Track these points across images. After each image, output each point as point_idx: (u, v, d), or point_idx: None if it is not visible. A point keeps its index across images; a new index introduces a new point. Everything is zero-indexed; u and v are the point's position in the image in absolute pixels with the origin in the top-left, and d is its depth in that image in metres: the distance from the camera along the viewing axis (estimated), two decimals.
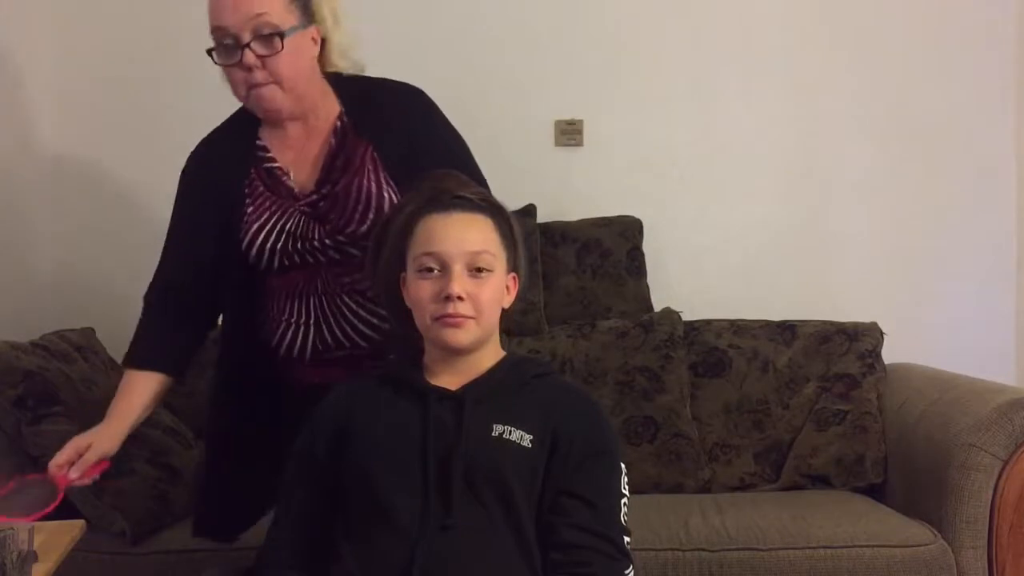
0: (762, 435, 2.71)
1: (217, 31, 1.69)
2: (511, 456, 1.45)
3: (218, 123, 2.90)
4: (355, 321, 1.77)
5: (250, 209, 1.77)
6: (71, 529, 1.61)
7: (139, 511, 2.26)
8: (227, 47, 1.69)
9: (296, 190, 1.77)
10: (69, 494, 1.80)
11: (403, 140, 1.77)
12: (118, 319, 2.84)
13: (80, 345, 2.53)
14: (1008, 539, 2.22)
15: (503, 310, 1.56)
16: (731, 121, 3.05)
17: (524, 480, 1.45)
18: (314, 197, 1.76)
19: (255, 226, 1.76)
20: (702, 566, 2.21)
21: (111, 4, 3.00)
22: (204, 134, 2.91)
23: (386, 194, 1.75)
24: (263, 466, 1.77)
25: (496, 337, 1.58)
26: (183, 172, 1.88)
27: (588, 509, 1.44)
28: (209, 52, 1.71)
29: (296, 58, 1.71)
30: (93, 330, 2.67)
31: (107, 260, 2.99)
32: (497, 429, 1.46)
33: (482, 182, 1.81)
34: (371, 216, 1.73)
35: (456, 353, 1.52)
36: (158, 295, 1.91)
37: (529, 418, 1.48)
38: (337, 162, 1.77)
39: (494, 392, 1.51)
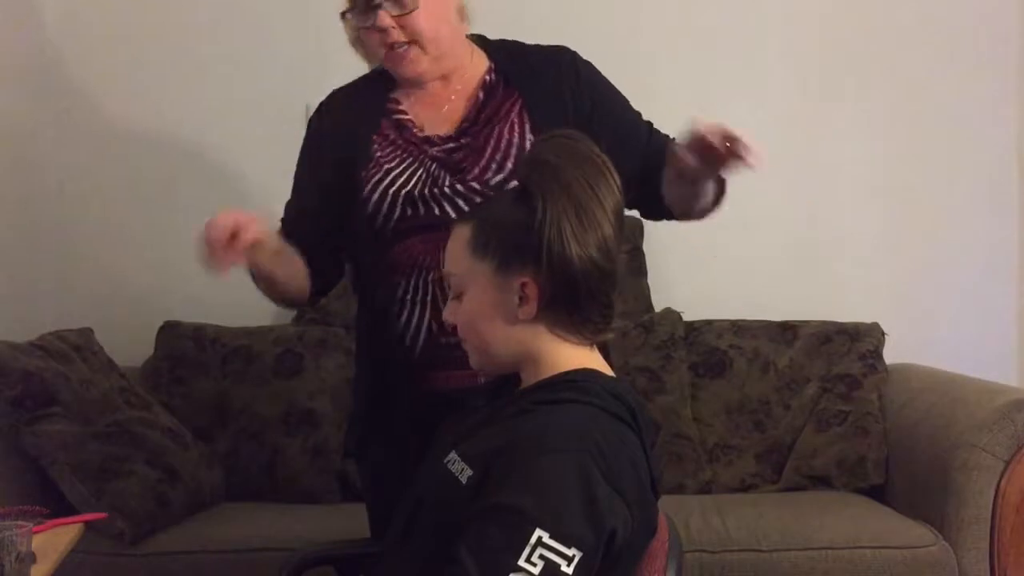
0: (763, 436, 2.71)
1: None
2: (442, 489, 1.26)
3: (219, 127, 2.92)
4: None
5: (378, 154, 1.68)
6: (69, 530, 1.61)
7: (138, 512, 2.25)
8: (360, 7, 1.61)
9: (428, 137, 1.69)
10: None
11: (559, 100, 1.68)
12: (117, 319, 2.86)
13: (78, 345, 2.52)
14: (1010, 540, 2.22)
15: (524, 321, 1.29)
16: (732, 121, 3.02)
17: (445, 518, 1.22)
18: (451, 145, 1.68)
19: (383, 170, 1.67)
20: (703, 567, 2.21)
21: (116, 9, 2.98)
22: (208, 137, 2.94)
23: (528, 145, 1.64)
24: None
25: (540, 353, 1.30)
26: (309, 122, 1.78)
27: (459, 571, 1.12)
28: (343, 15, 1.64)
29: (437, 12, 1.62)
30: (91, 330, 2.66)
31: (106, 260, 2.98)
32: (451, 456, 1.27)
33: (647, 131, 1.73)
34: (508, 166, 1.63)
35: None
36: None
37: (484, 450, 1.23)
38: (483, 115, 1.68)
39: (495, 416, 1.31)
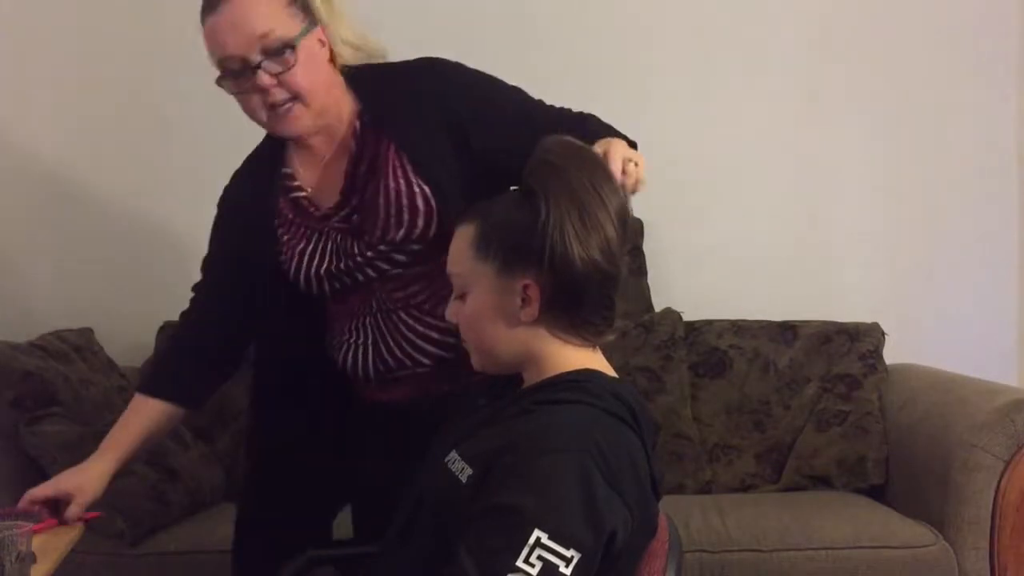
0: (763, 436, 2.71)
1: (223, 60, 1.58)
2: (443, 489, 1.26)
3: (217, 127, 2.91)
4: (413, 337, 1.66)
5: (286, 237, 1.69)
6: (69, 530, 1.60)
7: (137, 512, 2.25)
8: (236, 73, 1.57)
9: (324, 213, 1.68)
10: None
11: (429, 128, 1.64)
12: (116, 319, 2.86)
13: (78, 345, 2.52)
14: (1010, 540, 2.22)
15: (526, 323, 1.29)
16: (732, 121, 3.04)
17: (445, 517, 1.22)
18: (345, 211, 1.66)
19: (295, 252, 1.68)
20: (703, 567, 2.21)
21: (112, 9, 2.98)
22: (203, 136, 2.94)
23: (417, 189, 1.61)
24: (319, 482, 1.75)
25: (542, 354, 1.31)
26: (219, 205, 1.79)
27: (458, 571, 1.12)
28: (219, 82, 1.60)
29: (311, 66, 1.59)
30: (91, 330, 2.66)
31: (105, 260, 2.98)
32: (451, 456, 1.28)
33: (531, 112, 1.66)
34: (406, 218, 1.61)
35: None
36: (189, 325, 1.82)
37: (484, 449, 1.23)
38: (361, 168, 1.65)
39: (496, 416, 1.31)
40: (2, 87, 2.94)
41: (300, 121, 1.61)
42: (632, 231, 2.95)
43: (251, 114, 1.62)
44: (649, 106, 3.04)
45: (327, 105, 1.64)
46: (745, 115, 3.05)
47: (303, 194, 1.69)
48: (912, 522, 2.31)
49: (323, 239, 1.67)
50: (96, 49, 2.96)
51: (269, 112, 1.60)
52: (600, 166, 1.31)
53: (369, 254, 1.64)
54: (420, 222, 1.62)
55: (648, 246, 2.92)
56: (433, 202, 1.62)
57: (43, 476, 2.25)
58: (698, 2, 3.05)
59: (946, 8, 3.05)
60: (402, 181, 1.63)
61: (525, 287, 1.27)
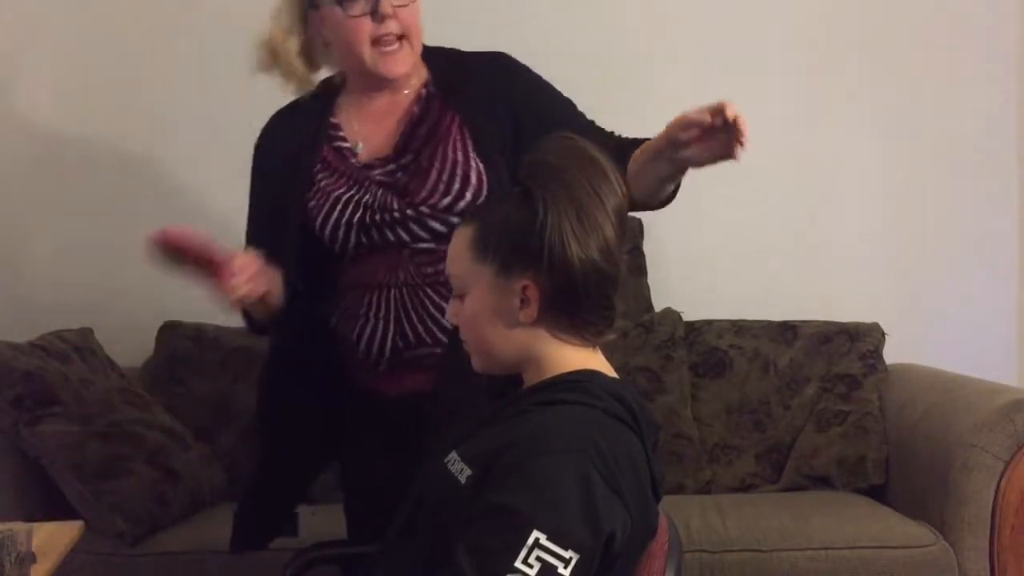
0: (763, 436, 2.71)
1: None
2: (442, 490, 1.25)
3: (219, 127, 2.91)
4: (437, 314, 1.66)
5: (324, 182, 1.70)
6: (70, 530, 1.61)
7: (138, 512, 2.25)
8: None
9: (367, 163, 1.69)
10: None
11: (495, 114, 1.68)
12: (116, 319, 2.86)
13: (78, 345, 2.52)
14: (1010, 540, 2.22)
15: (526, 324, 1.28)
16: None
17: (445, 518, 1.22)
18: (391, 167, 1.68)
19: (331, 199, 1.68)
20: (703, 567, 2.21)
21: (113, 12, 2.97)
22: (206, 133, 2.93)
23: (473, 164, 1.66)
24: (310, 464, 1.83)
25: (541, 355, 1.30)
26: (256, 146, 1.80)
27: (457, 571, 1.12)
28: (338, 2, 1.62)
29: (418, 14, 1.65)
30: (91, 330, 2.66)
31: (105, 260, 2.97)
32: (451, 457, 1.28)
33: (585, 127, 1.71)
34: (456, 187, 1.64)
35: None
36: None
37: (484, 450, 1.22)
38: (420, 130, 1.68)
39: (496, 416, 1.30)
40: (2, 88, 2.94)
41: (405, 62, 1.66)
42: (631, 230, 2.97)
43: (353, 44, 1.64)
44: (649, 106, 3.03)
45: (417, 60, 1.69)
46: (746, 115, 3.04)
47: (347, 144, 1.72)
48: (912, 522, 2.31)
49: (361, 190, 1.68)
50: (97, 48, 2.96)
51: (373, 48, 1.64)
52: (598, 164, 1.30)
53: (409, 212, 1.65)
54: (469, 195, 1.65)
55: (648, 246, 2.92)
56: (485, 180, 1.66)
57: (43, 476, 2.26)
58: (698, 2, 3.05)
59: (946, 8, 3.05)
60: (460, 154, 1.67)
61: (524, 288, 1.26)
